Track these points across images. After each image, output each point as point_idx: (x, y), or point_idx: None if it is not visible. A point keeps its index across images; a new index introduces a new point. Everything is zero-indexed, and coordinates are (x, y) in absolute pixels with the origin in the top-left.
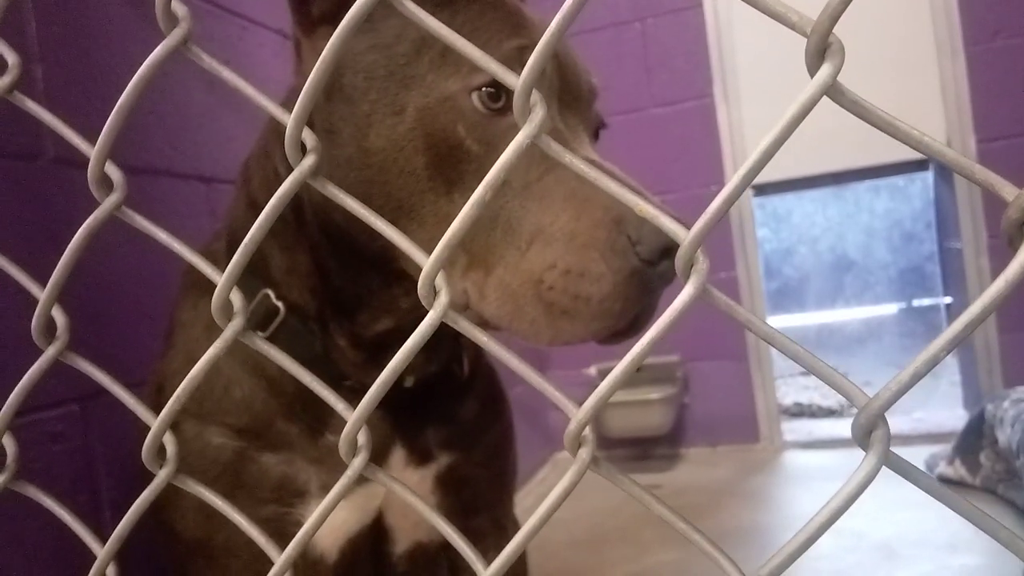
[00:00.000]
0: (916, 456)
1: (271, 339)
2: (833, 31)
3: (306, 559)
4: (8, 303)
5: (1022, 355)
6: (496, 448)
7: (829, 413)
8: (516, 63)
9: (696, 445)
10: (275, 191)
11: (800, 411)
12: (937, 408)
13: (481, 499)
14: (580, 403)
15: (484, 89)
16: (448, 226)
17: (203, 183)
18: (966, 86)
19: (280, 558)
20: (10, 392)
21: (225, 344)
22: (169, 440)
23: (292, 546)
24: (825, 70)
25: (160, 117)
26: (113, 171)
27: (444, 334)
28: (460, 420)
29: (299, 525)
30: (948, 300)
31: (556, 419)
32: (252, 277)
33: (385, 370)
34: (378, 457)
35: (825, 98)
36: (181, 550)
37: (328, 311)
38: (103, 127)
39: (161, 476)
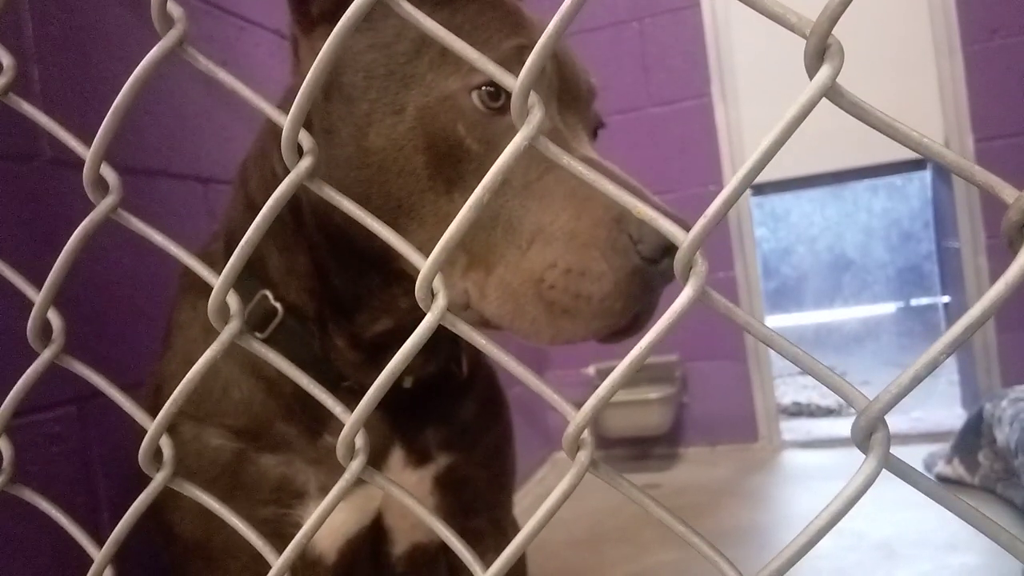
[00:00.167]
0: (914, 455)
1: (269, 340)
2: (832, 32)
3: (305, 560)
4: (5, 305)
5: (1020, 354)
6: (495, 448)
7: (828, 412)
8: (515, 62)
9: (695, 445)
10: (273, 192)
11: (799, 410)
12: (935, 407)
13: (480, 500)
14: (578, 404)
15: (484, 88)
16: (448, 225)
17: (200, 183)
18: (964, 85)
19: (278, 561)
20: (6, 395)
21: (222, 347)
22: (166, 443)
23: (290, 548)
24: (824, 72)
25: (157, 117)
26: (109, 173)
27: (443, 335)
28: (459, 421)
29: (298, 526)
30: (946, 299)
31: (555, 419)
32: (250, 278)
33: (383, 373)
34: (377, 458)
35: (824, 99)
36: (180, 551)
37: (327, 312)
38: (100, 128)
39: (158, 480)
